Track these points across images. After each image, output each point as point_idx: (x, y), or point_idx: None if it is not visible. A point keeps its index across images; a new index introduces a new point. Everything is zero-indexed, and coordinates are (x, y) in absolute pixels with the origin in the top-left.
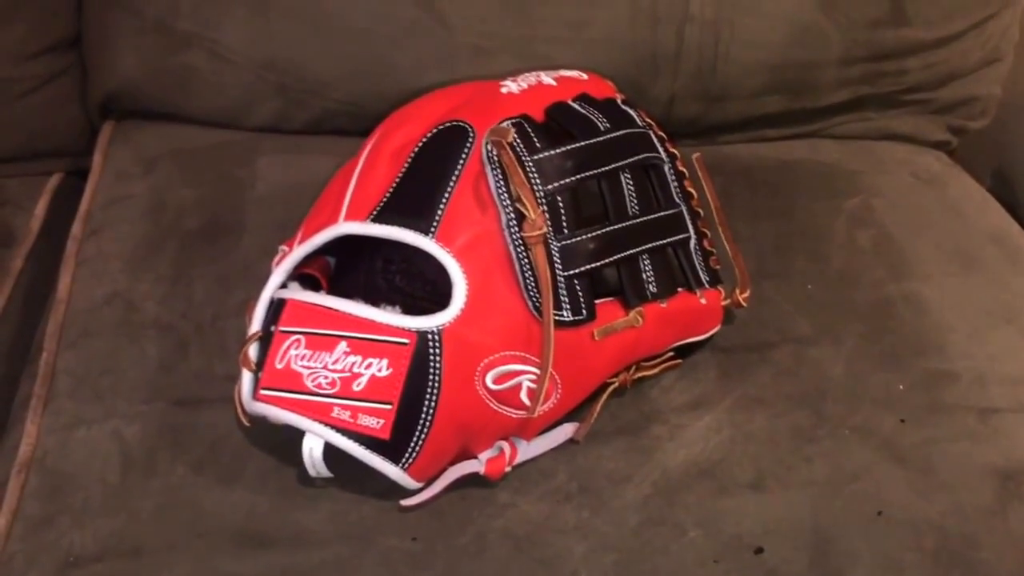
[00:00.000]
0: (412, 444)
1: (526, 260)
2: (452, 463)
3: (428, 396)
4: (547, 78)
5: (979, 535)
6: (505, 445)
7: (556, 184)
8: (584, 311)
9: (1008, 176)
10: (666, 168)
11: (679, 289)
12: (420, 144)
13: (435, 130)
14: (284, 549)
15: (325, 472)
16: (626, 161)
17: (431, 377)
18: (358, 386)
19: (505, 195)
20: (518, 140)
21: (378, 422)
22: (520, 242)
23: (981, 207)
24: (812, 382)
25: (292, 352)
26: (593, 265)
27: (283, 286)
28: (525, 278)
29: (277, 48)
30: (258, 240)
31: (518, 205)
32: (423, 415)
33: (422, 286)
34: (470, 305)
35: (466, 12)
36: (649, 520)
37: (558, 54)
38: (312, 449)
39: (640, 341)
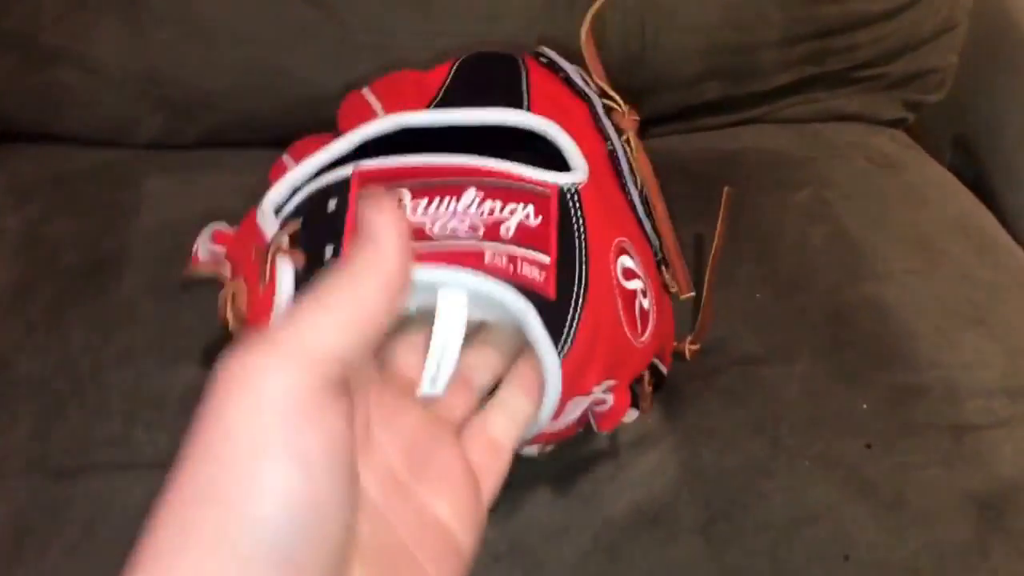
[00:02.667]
0: (569, 320)
1: (625, 150)
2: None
3: (579, 262)
4: None
5: None
6: (614, 383)
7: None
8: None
9: (969, 147)
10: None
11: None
12: (454, 68)
13: (461, 59)
14: None
15: (445, 384)
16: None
17: (578, 238)
18: (507, 232)
19: (593, 86)
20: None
21: (540, 274)
22: (616, 131)
23: (944, 191)
24: (765, 407)
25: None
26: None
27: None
28: (629, 166)
29: (155, 59)
30: (142, 276)
31: (605, 100)
32: (577, 285)
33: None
34: (590, 178)
35: (362, 8)
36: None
37: (469, 48)
38: (447, 347)
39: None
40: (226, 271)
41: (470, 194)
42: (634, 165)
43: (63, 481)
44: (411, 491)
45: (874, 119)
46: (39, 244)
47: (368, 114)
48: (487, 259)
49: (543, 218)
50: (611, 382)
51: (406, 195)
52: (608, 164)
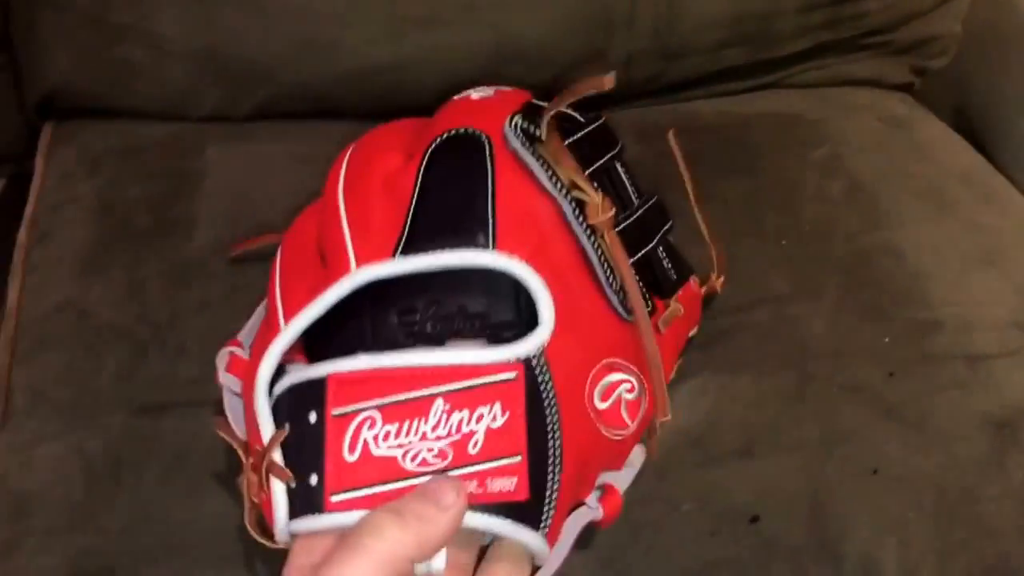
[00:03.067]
0: (547, 500)
1: (600, 251)
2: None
3: (551, 435)
4: (488, 91)
5: (977, 487)
6: (610, 479)
7: (591, 169)
8: (649, 301)
9: (969, 113)
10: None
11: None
12: (424, 162)
13: (433, 146)
14: (261, 560)
15: (440, 571)
16: (615, 150)
17: (548, 411)
18: (475, 447)
19: (559, 183)
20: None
21: (511, 482)
22: (590, 231)
23: (949, 148)
24: (795, 341)
25: (367, 434)
26: (644, 251)
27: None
28: (605, 271)
29: (216, 35)
30: (211, 233)
31: (575, 193)
32: (551, 460)
33: (466, 324)
34: (559, 317)
35: None
36: (640, 497)
37: (511, 21)
38: (431, 571)
39: (681, 332)
40: (241, 449)
41: (437, 410)
42: (612, 264)
43: (150, 417)
44: None
45: (883, 83)
46: (112, 209)
47: (338, 233)
48: None
49: (510, 414)
50: (606, 477)
51: (379, 419)
52: (583, 266)
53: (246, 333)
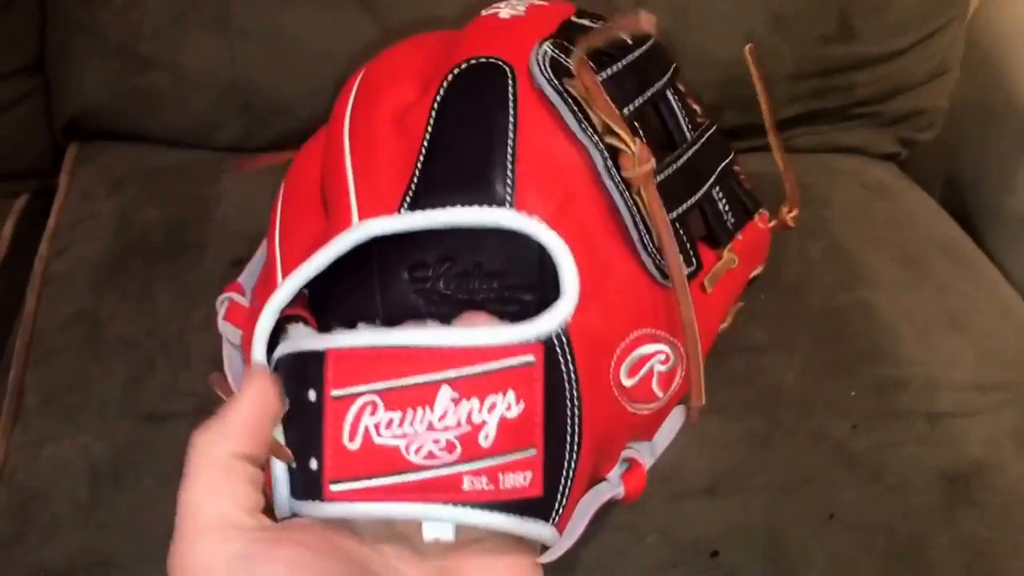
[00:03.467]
0: (561, 490)
1: (635, 207)
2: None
3: (571, 423)
4: (520, 6)
5: (927, 536)
6: (634, 454)
7: (631, 107)
8: (694, 260)
9: (957, 184)
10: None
11: (747, 219)
12: (439, 97)
13: (450, 78)
14: None
15: (451, 537)
16: (667, 76)
17: (569, 397)
18: (486, 440)
19: (590, 130)
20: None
21: (525, 477)
22: (624, 185)
23: (930, 217)
24: (766, 389)
25: (368, 421)
26: (689, 203)
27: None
28: (639, 230)
29: (239, 70)
30: (222, 254)
31: (610, 140)
32: (569, 450)
33: (482, 283)
34: (584, 284)
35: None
36: (608, 526)
37: None
38: (440, 538)
39: (735, 283)
40: None
41: (444, 398)
42: (649, 222)
43: (154, 424)
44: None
45: (871, 152)
46: (130, 227)
47: (342, 178)
48: (466, 486)
49: (525, 403)
50: (628, 453)
51: (380, 405)
52: (614, 224)
53: (247, 276)
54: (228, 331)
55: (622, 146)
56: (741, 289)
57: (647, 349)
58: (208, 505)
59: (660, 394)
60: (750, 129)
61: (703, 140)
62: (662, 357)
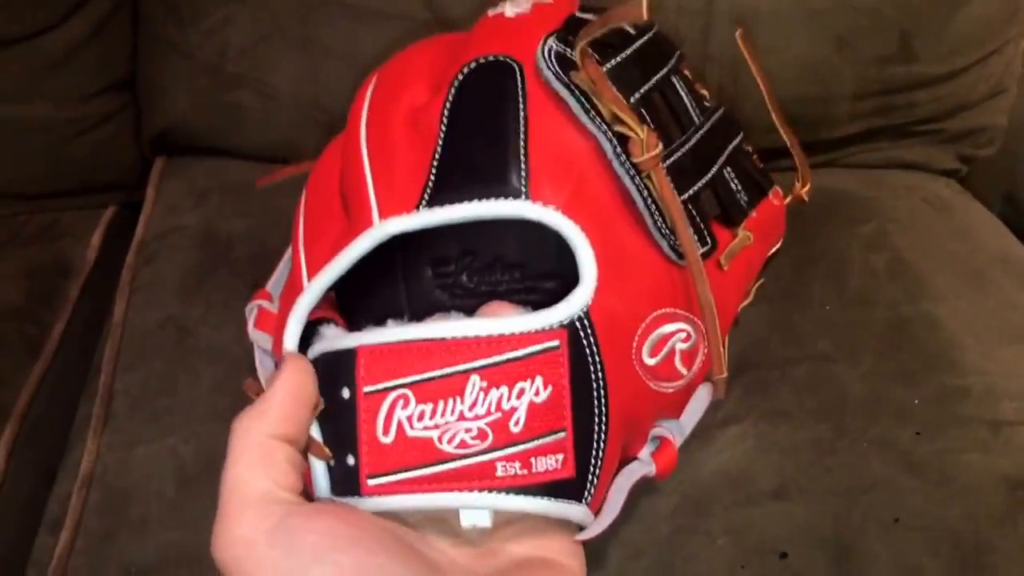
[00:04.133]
0: (592, 470)
1: (647, 191)
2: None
3: (598, 404)
4: (526, 3)
5: (991, 540)
6: (664, 432)
7: (637, 95)
8: (708, 239)
9: (1017, 200)
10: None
11: (759, 196)
12: (450, 98)
13: (460, 78)
14: None
15: (488, 523)
16: (672, 63)
17: (595, 378)
18: (517, 425)
19: (598, 119)
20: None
21: (557, 460)
22: (634, 171)
23: (989, 231)
24: (832, 397)
25: (400, 414)
26: (700, 183)
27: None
28: (651, 212)
29: (321, 87)
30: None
31: (618, 128)
32: (597, 430)
33: (504, 275)
34: (602, 268)
35: None
36: (680, 529)
37: None
38: (477, 524)
39: (752, 262)
40: None
41: (473, 387)
42: (660, 205)
43: None
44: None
45: (931, 168)
46: (215, 238)
47: (361, 182)
48: (499, 472)
49: (553, 387)
50: (658, 431)
51: (411, 399)
52: (627, 208)
53: (274, 282)
54: (259, 338)
55: (630, 133)
56: (760, 266)
57: (667, 328)
58: (249, 484)
59: (684, 372)
60: (810, 146)
61: (711, 122)
62: (683, 335)
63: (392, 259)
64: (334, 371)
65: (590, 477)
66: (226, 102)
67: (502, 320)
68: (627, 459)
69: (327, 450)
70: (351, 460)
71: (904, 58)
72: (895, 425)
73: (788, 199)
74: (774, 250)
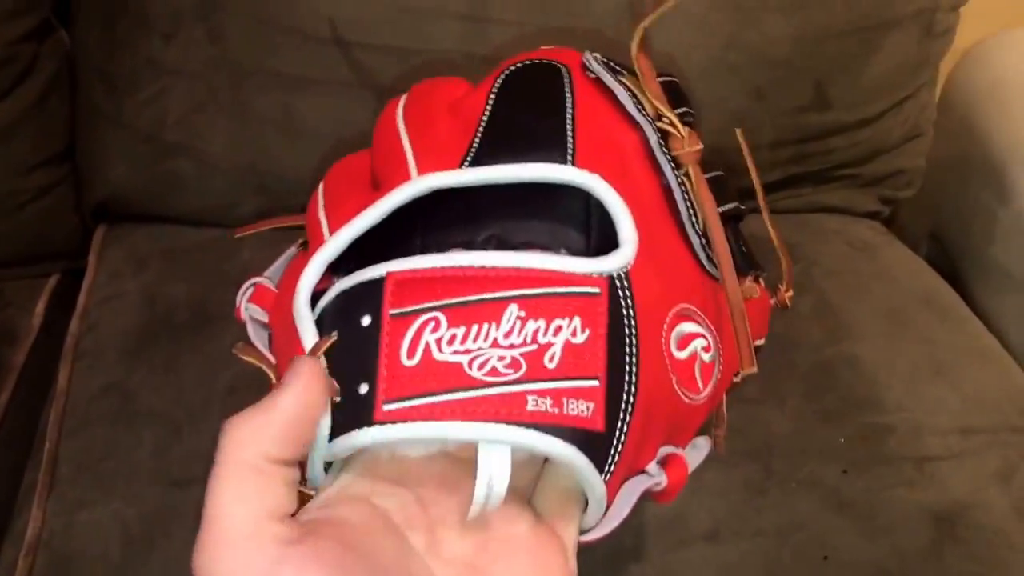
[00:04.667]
0: (615, 441)
1: (685, 187)
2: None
3: (629, 370)
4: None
5: (917, 573)
6: (676, 450)
7: (677, 112)
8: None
9: (942, 239)
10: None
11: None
12: (496, 85)
13: (508, 71)
14: None
15: (500, 499)
16: (690, 109)
17: (628, 341)
18: (552, 361)
19: (643, 111)
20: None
21: (588, 407)
22: (674, 163)
23: (912, 271)
24: (760, 439)
25: (429, 337)
26: (725, 208)
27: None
28: (688, 209)
29: (256, 153)
30: (243, 330)
31: (661, 124)
32: (625, 399)
33: None
34: (641, 247)
35: None
36: (614, 573)
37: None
38: (495, 469)
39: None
40: (271, 370)
41: (511, 315)
42: (695, 202)
43: (181, 489)
44: (490, 571)
45: (854, 211)
46: (156, 303)
47: (398, 151)
48: (530, 406)
49: (591, 332)
50: (669, 449)
51: (443, 321)
52: (664, 204)
53: (272, 272)
54: (254, 311)
55: (671, 129)
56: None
57: (690, 328)
58: (235, 514)
59: (701, 386)
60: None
61: (722, 174)
62: (704, 343)
63: (413, 246)
64: (355, 302)
65: (613, 449)
66: (164, 170)
67: (544, 256)
68: (636, 471)
69: (335, 384)
70: (364, 388)
71: (819, 106)
72: (822, 464)
73: (773, 300)
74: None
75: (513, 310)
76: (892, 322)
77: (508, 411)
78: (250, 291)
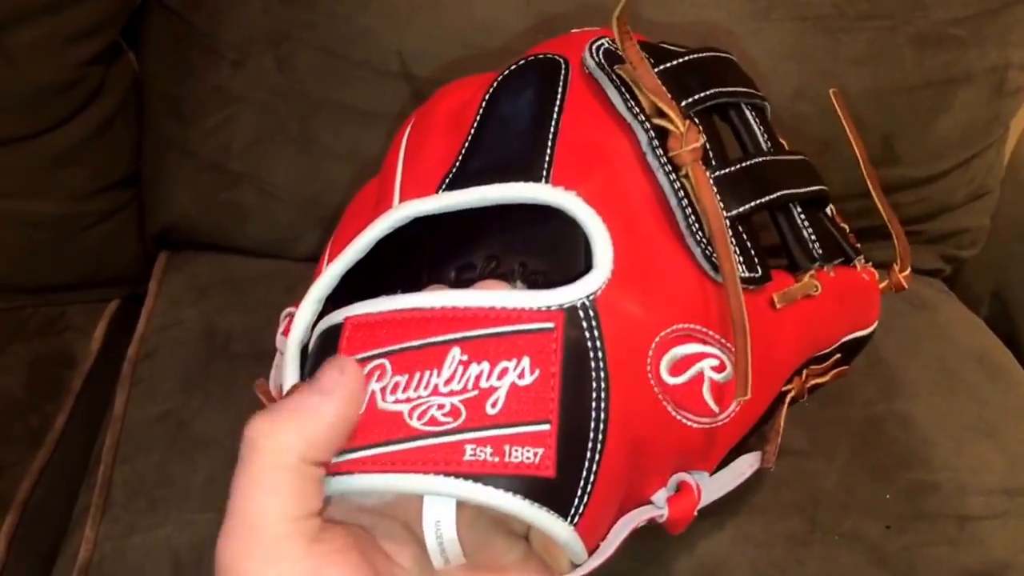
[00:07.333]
0: (582, 483)
1: (681, 189)
2: (618, 513)
3: (596, 406)
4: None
5: None
6: (687, 478)
7: (690, 99)
8: (759, 267)
9: (1005, 300)
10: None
11: (840, 258)
12: (491, 88)
13: (507, 71)
14: None
15: (458, 554)
16: (746, 92)
17: (594, 372)
18: (494, 407)
19: (636, 109)
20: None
21: (536, 453)
22: (670, 166)
23: (968, 330)
24: (806, 492)
25: (375, 386)
26: (756, 203)
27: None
28: (686, 214)
29: (321, 186)
30: None
31: (658, 120)
32: (592, 437)
33: (526, 281)
34: (620, 264)
35: None
36: None
37: None
38: (440, 522)
39: (817, 320)
40: None
41: (452, 360)
42: (697, 207)
43: None
44: None
45: (914, 268)
46: (215, 333)
47: (392, 176)
48: (467, 455)
49: (540, 372)
50: (680, 476)
51: (388, 369)
52: (661, 212)
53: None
54: (282, 344)
55: (669, 126)
56: (829, 332)
57: (691, 348)
58: (270, 512)
59: (713, 407)
60: None
61: (784, 158)
62: (714, 363)
63: (420, 266)
64: (326, 346)
65: (579, 491)
66: (227, 199)
67: (491, 293)
68: (640, 500)
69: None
70: None
71: (888, 161)
72: (866, 519)
73: (884, 284)
74: (861, 333)
75: (455, 354)
76: (945, 381)
77: (446, 462)
78: (286, 322)
